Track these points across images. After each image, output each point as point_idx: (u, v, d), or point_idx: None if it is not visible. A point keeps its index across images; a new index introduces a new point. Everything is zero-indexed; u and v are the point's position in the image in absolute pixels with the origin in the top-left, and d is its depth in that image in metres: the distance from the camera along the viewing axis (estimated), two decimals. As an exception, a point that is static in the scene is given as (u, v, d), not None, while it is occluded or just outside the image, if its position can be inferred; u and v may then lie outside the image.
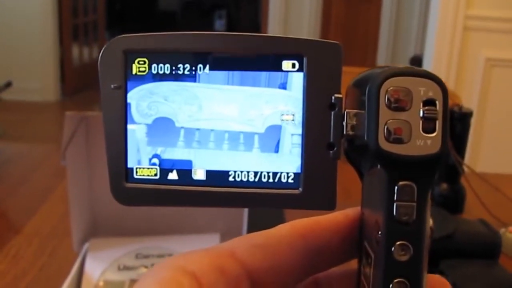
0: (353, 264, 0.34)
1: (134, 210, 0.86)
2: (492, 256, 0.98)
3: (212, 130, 0.35)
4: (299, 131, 0.34)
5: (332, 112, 0.33)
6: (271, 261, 0.31)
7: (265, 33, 4.88)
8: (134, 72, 0.34)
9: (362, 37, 5.33)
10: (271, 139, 0.34)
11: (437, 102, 0.30)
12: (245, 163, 0.34)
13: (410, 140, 0.30)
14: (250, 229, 0.83)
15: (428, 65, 2.69)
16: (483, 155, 2.38)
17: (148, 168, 0.34)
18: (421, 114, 0.30)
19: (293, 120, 0.34)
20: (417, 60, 3.04)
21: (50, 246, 1.00)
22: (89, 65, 5.30)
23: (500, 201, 1.18)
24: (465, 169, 1.16)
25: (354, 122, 0.32)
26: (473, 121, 1.15)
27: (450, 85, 1.58)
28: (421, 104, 0.30)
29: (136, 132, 0.34)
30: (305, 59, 0.34)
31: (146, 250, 0.81)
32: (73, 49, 5.00)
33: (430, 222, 0.78)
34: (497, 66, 2.53)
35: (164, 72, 0.34)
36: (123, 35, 0.34)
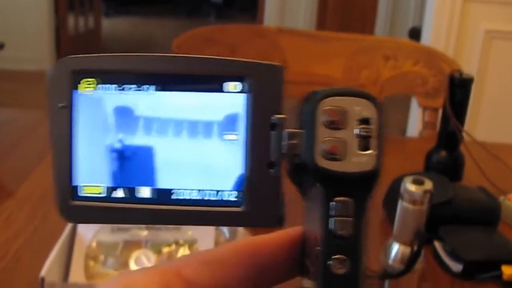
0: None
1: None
2: (491, 223, 0.97)
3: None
4: (241, 150, 0.35)
5: (273, 132, 0.34)
6: (217, 278, 0.32)
7: (262, 8, 4.85)
8: (81, 92, 0.35)
9: (361, 9, 5.29)
10: None
11: (372, 121, 0.32)
12: (189, 181, 0.35)
13: (346, 157, 0.32)
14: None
15: (426, 37, 2.67)
16: (481, 125, 2.37)
17: (94, 186, 0.35)
18: (356, 133, 0.32)
19: (236, 139, 0.35)
20: (415, 32, 3.02)
21: (42, 210, 0.98)
22: (85, 35, 5.26)
23: (499, 169, 1.17)
24: (464, 136, 1.14)
25: (294, 141, 0.34)
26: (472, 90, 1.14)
27: (449, 56, 1.56)
28: (357, 123, 0.32)
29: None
30: (248, 81, 0.35)
31: (140, 211, 0.79)
32: (68, 18, 4.95)
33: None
34: (497, 38, 2.51)
35: (111, 92, 0.36)
36: (71, 56, 0.35)
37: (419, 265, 0.82)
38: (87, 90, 0.35)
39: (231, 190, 0.35)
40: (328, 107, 0.32)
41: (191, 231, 0.76)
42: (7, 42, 3.85)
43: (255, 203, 0.35)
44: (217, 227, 0.78)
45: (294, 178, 0.35)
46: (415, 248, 0.80)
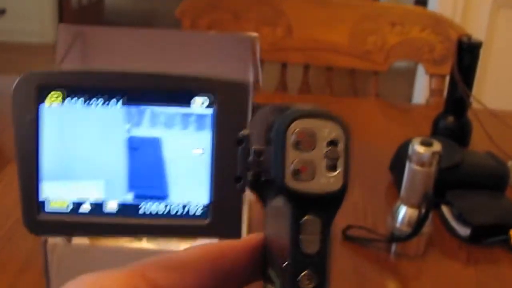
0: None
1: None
2: (499, 188, 0.96)
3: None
4: (208, 164, 0.36)
5: (239, 148, 0.35)
6: (182, 281, 0.34)
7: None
8: (48, 105, 0.35)
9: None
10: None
11: (339, 142, 0.33)
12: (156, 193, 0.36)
13: (314, 178, 0.33)
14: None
15: (433, 5, 2.63)
16: (487, 94, 2.35)
17: (61, 201, 0.35)
18: (324, 154, 0.33)
19: (203, 153, 0.36)
20: (422, 2, 2.98)
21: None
22: (88, 7, 5.22)
23: (507, 135, 1.15)
24: (472, 103, 1.12)
25: (261, 158, 0.35)
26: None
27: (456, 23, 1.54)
28: (325, 144, 0.33)
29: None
30: (215, 97, 0.36)
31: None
32: (71, -10, 4.91)
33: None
34: (504, 7, 2.47)
35: (78, 105, 0.36)
36: (36, 71, 0.36)
37: (426, 228, 0.81)
38: (53, 103, 0.35)
39: (197, 204, 0.36)
40: (298, 129, 0.33)
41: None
42: (8, 12, 3.82)
43: (220, 216, 0.36)
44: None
45: (257, 189, 0.36)
46: (423, 211, 0.79)
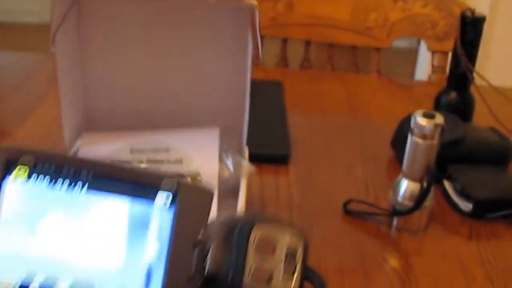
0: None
1: (130, 102, 0.81)
2: (502, 163, 0.95)
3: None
4: (163, 262, 0.37)
5: (196, 249, 0.37)
6: None
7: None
8: (13, 178, 0.36)
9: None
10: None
11: (297, 250, 0.36)
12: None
13: (272, 281, 0.35)
14: (251, 125, 0.79)
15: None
16: (490, 70, 2.32)
17: (6, 281, 0.36)
18: (283, 261, 0.36)
19: (160, 249, 0.37)
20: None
21: (43, 146, 0.96)
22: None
23: (510, 112, 1.14)
24: (475, 78, 1.11)
25: (219, 260, 0.36)
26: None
27: None
28: (284, 252, 0.36)
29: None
30: (177, 198, 0.38)
31: (142, 145, 0.76)
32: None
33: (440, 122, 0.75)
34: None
35: (43, 183, 0.37)
36: (6, 146, 0.37)
37: (428, 202, 0.80)
38: (19, 178, 0.36)
39: None
40: (259, 235, 0.36)
41: (194, 164, 0.74)
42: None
43: None
44: (221, 160, 0.75)
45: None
46: (425, 184, 0.78)
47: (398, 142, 0.97)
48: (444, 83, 1.14)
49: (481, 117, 1.13)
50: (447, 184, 0.90)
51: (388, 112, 1.20)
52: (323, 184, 0.91)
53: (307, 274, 0.67)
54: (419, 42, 3.09)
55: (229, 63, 0.79)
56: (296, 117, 1.14)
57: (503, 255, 0.78)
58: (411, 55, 3.11)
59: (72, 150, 0.78)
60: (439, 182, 0.91)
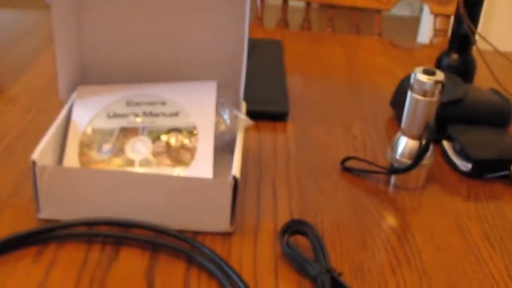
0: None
1: (126, 56, 0.80)
2: (502, 124, 0.94)
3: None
4: None
5: None
6: None
7: None
8: None
9: None
10: None
11: None
12: None
13: None
14: (250, 82, 0.78)
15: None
16: (494, 34, 2.30)
17: None
18: None
19: None
20: None
21: (38, 104, 0.95)
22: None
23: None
24: (477, 40, 1.09)
25: None
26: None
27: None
28: None
29: None
30: None
31: (138, 98, 0.75)
32: None
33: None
34: None
35: None
36: None
37: (427, 160, 0.79)
38: None
39: None
40: None
41: (190, 117, 0.73)
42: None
43: None
44: (218, 113, 0.74)
45: None
46: (424, 142, 0.77)
47: (398, 101, 0.96)
48: (446, 46, 1.13)
49: (482, 80, 1.12)
50: (446, 144, 0.89)
51: (388, 74, 1.18)
52: (321, 141, 0.90)
53: (303, 229, 0.66)
54: (421, 10, 3.06)
55: (227, 17, 0.78)
56: (295, 77, 1.12)
57: (501, 214, 0.77)
58: (413, 23, 3.08)
59: (67, 103, 0.77)
60: (438, 142, 0.90)
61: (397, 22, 3.49)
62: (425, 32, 2.71)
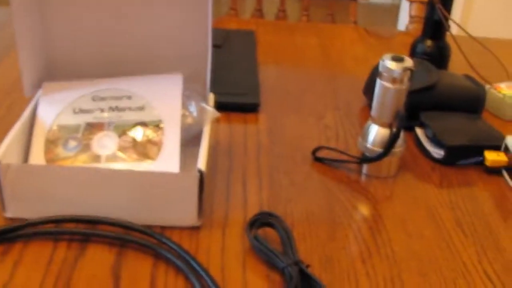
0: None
1: (92, 51, 0.79)
2: (475, 110, 0.94)
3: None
4: None
5: None
6: None
7: None
8: None
9: None
10: None
11: None
12: None
13: None
14: (214, 72, 0.77)
15: None
16: (472, 20, 2.30)
17: None
18: None
19: None
20: None
21: (9, 99, 0.94)
22: None
23: (486, 62, 1.12)
24: (452, 27, 1.09)
25: None
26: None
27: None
28: None
29: None
30: None
31: (104, 92, 0.74)
32: None
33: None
34: None
35: None
36: None
37: (398, 148, 0.79)
38: None
39: None
40: None
41: (156, 111, 0.72)
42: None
43: None
44: (184, 106, 0.73)
45: None
46: (394, 130, 0.77)
47: (370, 89, 0.95)
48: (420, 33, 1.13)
49: (457, 65, 1.12)
50: (419, 131, 0.89)
51: (363, 62, 1.18)
52: (293, 131, 0.89)
53: (271, 221, 0.66)
54: (401, -3, 3.05)
55: (191, 10, 0.77)
56: (268, 67, 1.12)
57: (473, 201, 0.77)
58: (394, 11, 3.08)
59: (33, 100, 0.76)
60: (411, 130, 0.90)
61: (378, 10, 3.49)
62: (404, 19, 2.71)
